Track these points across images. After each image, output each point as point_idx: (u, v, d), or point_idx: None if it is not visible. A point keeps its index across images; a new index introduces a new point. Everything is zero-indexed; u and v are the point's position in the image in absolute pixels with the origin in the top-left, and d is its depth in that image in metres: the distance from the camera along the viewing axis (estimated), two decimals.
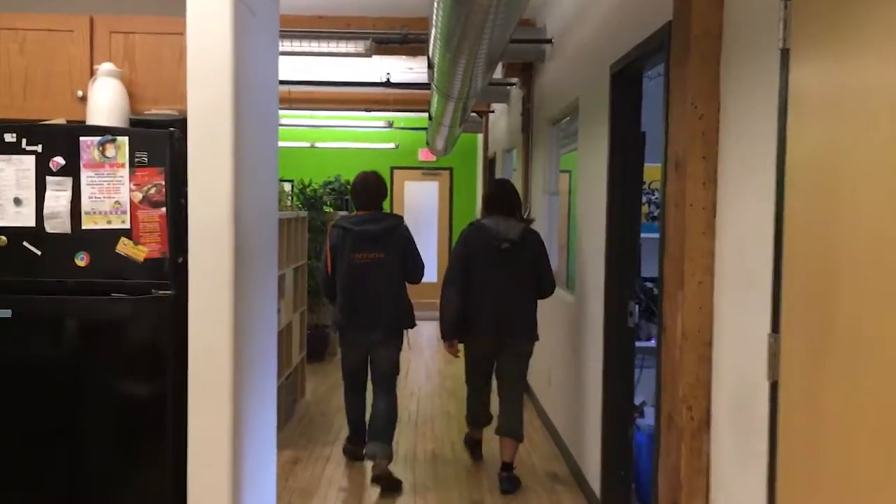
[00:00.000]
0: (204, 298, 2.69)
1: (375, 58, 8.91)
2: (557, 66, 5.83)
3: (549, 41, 6.00)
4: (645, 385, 4.78)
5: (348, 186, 10.12)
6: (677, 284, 2.77)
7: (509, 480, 4.70)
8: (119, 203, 2.68)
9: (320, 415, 6.30)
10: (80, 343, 2.76)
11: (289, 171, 10.85)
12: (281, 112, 11.22)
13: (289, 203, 6.35)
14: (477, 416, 5.12)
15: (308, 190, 8.53)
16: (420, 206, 13.63)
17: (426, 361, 8.71)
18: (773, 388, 2.22)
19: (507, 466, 4.75)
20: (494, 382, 5.00)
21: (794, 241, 2.13)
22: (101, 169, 2.67)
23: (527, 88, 7.10)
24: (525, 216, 5.42)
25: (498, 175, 10.26)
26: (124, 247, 2.69)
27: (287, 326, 5.84)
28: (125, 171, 2.68)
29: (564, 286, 6.15)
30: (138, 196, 2.69)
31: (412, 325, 4.95)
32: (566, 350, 5.33)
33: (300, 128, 12.87)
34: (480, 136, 12.25)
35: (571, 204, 6.62)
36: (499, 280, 4.70)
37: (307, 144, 12.99)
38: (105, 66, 2.97)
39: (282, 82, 8.86)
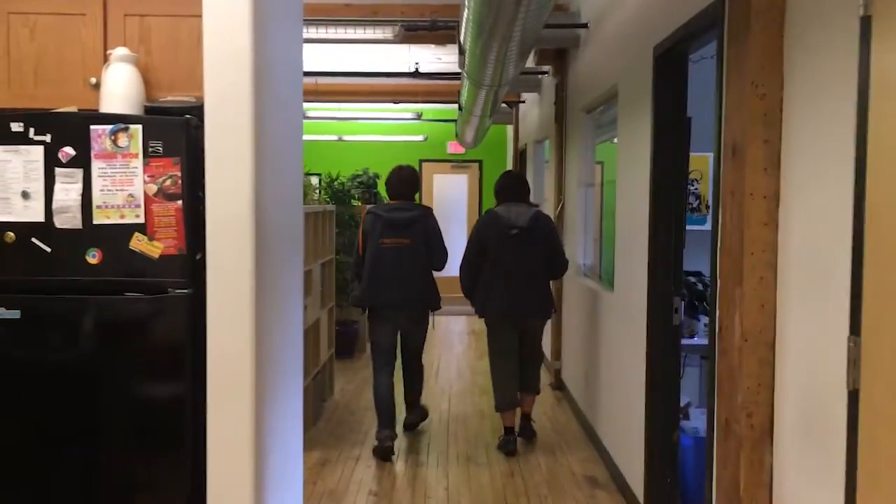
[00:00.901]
0: (223, 297, 2.50)
1: (403, 48, 8.73)
2: (593, 52, 5.59)
3: (585, 25, 5.76)
4: (687, 385, 4.56)
5: (377, 180, 9.99)
6: (735, 281, 2.54)
7: (526, 430, 5.46)
8: (132, 196, 2.50)
9: (349, 414, 6.12)
10: (92, 345, 2.59)
11: (316, 164, 10.70)
12: (308, 105, 11.11)
13: (316, 197, 6.18)
14: (508, 399, 5.29)
15: (336, 183, 8.36)
16: (449, 199, 13.42)
17: (457, 357, 8.51)
18: (853, 397, 1.99)
19: (526, 416, 5.48)
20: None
21: (877, 233, 1.89)
22: (113, 160, 2.49)
23: (560, 76, 6.85)
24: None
25: (529, 168, 10.02)
26: (138, 243, 2.51)
27: (314, 324, 5.67)
28: (139, 162, 2.50)
29: (599, 280, 5.92)
30: (153, 188, 2.51)
31: (437, 308, 5.35)
32: (604, 349, 5.10)
33: (328, 120, 12.73)
34: (510, 128, 12.00)
35: (604, 195, 6.38)
36: (510, 262, 5.13)
37: (335, 137, 12.84)
38: (119, 51, 2.79)
39: (308, 73, 8.73)
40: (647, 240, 3.97)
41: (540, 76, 8.46)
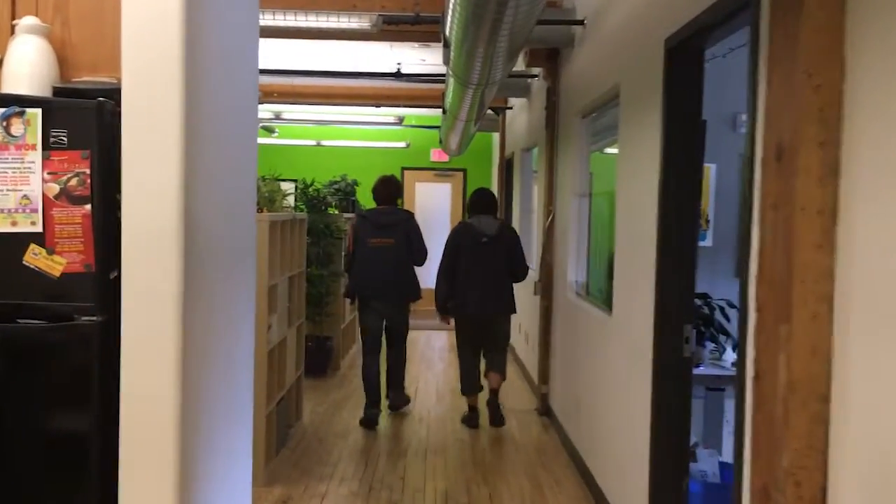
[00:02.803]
0: (142, 326, 1.99)
1: (385, 47, 8.24)
2: (591, 50, 5.12)
3: (581, 22, 5.29)
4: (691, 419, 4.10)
5: (355, 187, 9.49)
6: (780, 316, 2.05)
7: (496, 417, 6.05)
8: (28, 198, 1.98)
9: (318, 442, 5.59)
10: None
11: (292, 169, 10.16)
12: (284, 107, 10.59)
13: (288, 204, 5.66)
14: (472, 384, 6.08)
15: (310, 190, 7.84)
16: (432, 208, 12.92)
17: (437, 377, 7.99)
18: None
19: (494, 392, 6.10)
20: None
21: None
22: (3, 152, 1.98)
23: (552, 79, 6.38)
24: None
25: (516, 177, 9.55)
26: (35, 258, 2.00)
27: (280, 343, 5.14)
28: (37, 156, 1.99)
29: (586, 297, 5.43)
30: (54, 189, 1.99)
31: (416, 298, 6.20)
32: (600, 377, 4.61)
33: (305, 124, 12.21)
34: (496, 136, 11.54)
35: (592, 207, 5.91)
36: (480, 267, 5.94)
37: (312, 142, 12.33)
38: (26, 21, 2.28)
39: (283, 72, 8.22)
40: (654, 260, 3.48)
41: (529, 80, 7.99)
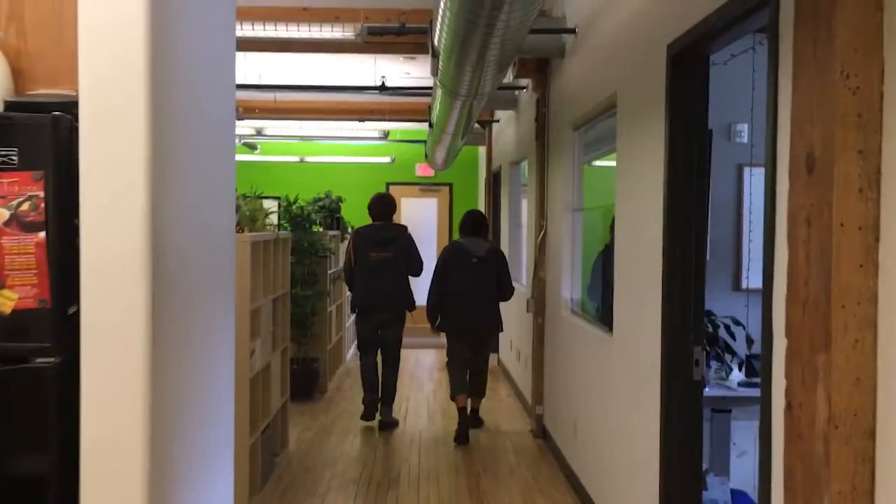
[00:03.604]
0: (105, 367, 1.76)
1: (369, 60, 8.05)
2: (584, 60, 4.94)
3: (572, 31, 5.11)
4: None
5: (340, 203, 9.26)
6: (818, 344, 1.86)
7: (475, 421, 6.44)
8: None
9: (304, 471, 5.34)
10: None
11: (275, 187, 9.95)
12: (267, 122, 10.36)
13: (269, 222, 5.43)
14: (459, 387, 6.34)
15: (294, 207, 7.61)
16: (418, 223, 12.68)
17: (427, 397, 7.75)
18: None
19: (474, 411, 6.48)
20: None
21: None
22: None
23: (541, 90, 6.20)
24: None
25: (504, 191, 9.37)
26: None
27: (264, 369, 4.90)
28: None
29: (582, 315, 5.24)
30: (4, 215, 1.77)
31: (412, 308, 6.59)
32: (600, 399, 4.40)
33: (288, 140, 11.99)
34: (482, 149, 11.35)
35: (585, 221, 5.73)
36: (470, 286, 6.23)
37: (296, 159, 12.11)
38: None
39: (266, 87, 8.00)
40: (660, 277, 3.29)
41: (517, 92, 7.82)
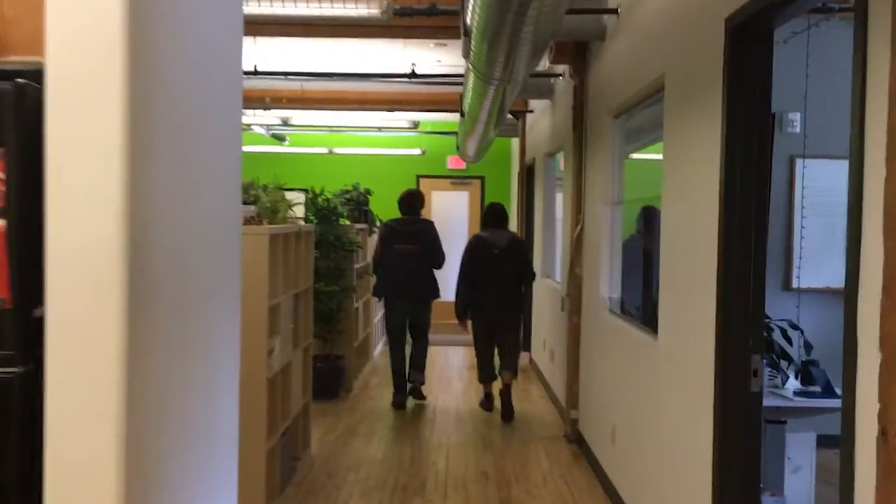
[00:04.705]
0: (74, 379, 1.50)
1: (399, 48, 7.77)
2: (627, 41, 4.61)
3: (615, 11, 4.78)
4: None
5: (368, 196, 9.00)
6: None
7: (507, 411, 6.65)
8: None
9: (327, 476, 5.08)
10: None
11: (304, 178, 9.73)
12: (294, 112, 10.13)
13: (291, 215, 5.17)
14: (488, 374, 6.87)
15: (320, 199, 7.35)
16: (448, 217, 12.40)
17: (456, 398, 7.46)
18: None
19: (507, 386, 6.71)
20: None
21: None
22: None
23: (579, 76, 5.87)
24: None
25: (538, 184, 9.04)
26: None
27: (284, 368, 4.64)
28: None
29: (621, 315, 4.91)
30: None
31: (437, 297, 7.10)
32: (642, 406, 4.08)
33: (316, 132, 11.76)
34: (515, 141, 11.03)
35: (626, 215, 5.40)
36: (493, 275, 6.65)
37: (325, 150, 11.89)
38: None
39: (293, 75, 7.76)
40: (713, 278, 2.96)
41: (553, 80, 7.49)
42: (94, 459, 1.51)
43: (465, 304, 6.73)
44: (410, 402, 7.11)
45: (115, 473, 1.52)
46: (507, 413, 6.62)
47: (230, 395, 2.32)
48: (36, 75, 1.62)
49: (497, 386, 6.83)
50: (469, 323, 6.85)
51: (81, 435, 1.51)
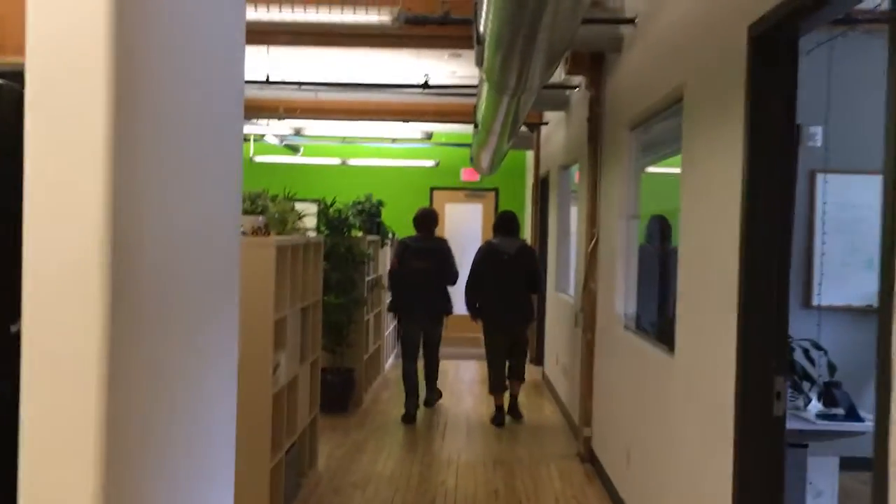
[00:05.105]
0: (50, 402, 1.40)
1: (412, 58, 7.69)
2: (644, 51, 4.50)
3: (632, 21, 4.68)
4: None
5: (381, 208, 8.91)
6: None
7: (515, 412, 7.05)
8: None
9: (334, 493, 4.97)
10: None
11: (317, 189, 9.66)
12: (308, 122, 10.08)
13: (300, 226, 5.08)
14: (499, 384, 6.92)
15: (331, 210, 7.26)
16: (462, 230, 12.31)
17: (467, 413, 7.33)
18: None
19: (514, 397, 7.10)
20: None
21: None
22: None
23: (595, 87, 5.77)
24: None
25: (552, 198, 8.93)
26: None
27: (291, 383, 4.54)
28: None
29: (637, 332, 4.79)
30: None
31: (450, 312, 7.30)
32: (658, 427, 3.95)
33: (330, 143, 11.71)
34: (530, 154, 10.93)
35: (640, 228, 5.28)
36: (502, 280, 6.85)
37: (338, 161, 11.82)
38: None
39: (306, 84, 7.70)
40: (735, 296, 2.84)
41: (568, 92, 7.39)
42: (70, 486, 1.41)
43: (473, 301, 6.98)
44: (422, 411, 7.22)
45: (91, 501, 1.42)
46: (516, 416, 7.00)
47: (226, 415, 2.21)
48: (18, 77, 1.53)
49: (507, 400, 7.02)
50: (482, 326, 7.05)
51: (57, 458, 1.41)
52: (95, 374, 1.41)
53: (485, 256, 6.97)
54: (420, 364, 7.25)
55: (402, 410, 7.00)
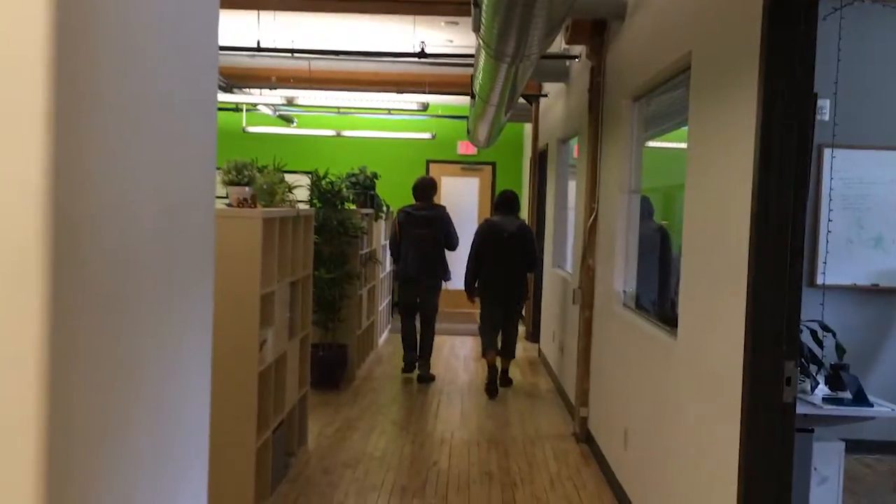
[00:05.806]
0: None
1: (408, 26, 7.48)
2: (649, 17, 4.31)
3: None
4: None
5: (375, 180, 8.72)
6: None
7: (505, 380, 7.31)
8: None
9: (323, 473, 4.84)
10: None
11: (311, 161, 9.48)
12: (301, 92, 9.85)
13: (290, 198, 4.90)
14: (490, 345, 7.18)
15: (324, 182, 7.08)
16: (458, 204, 12.12)
17: (461, 391, 7.20)
18: None
19: (504, 371, 7.33)
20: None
21: None
22: None
23: (597, 57, 5.57)
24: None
25: (550, 171, 8.75)
26: None
27: (279, 359, 4.40)
28: None
29: (636, 311, 4.64)
30: None
31: (448, 279, 7.54)
32: (657, 410, 3.81)
33: (324, 112, 11.49)
34: (528, 127, 10.73)
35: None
36: (501, 259, 7.06)
37: (332, 133, 11.60)
38: None
39: (299, 52, 7.47)
40: (743, 276, 2.68)
41: (568, 62, 7.19)
42: (8, 484, 1.26)
43: (473, 279, 7.19)
44: (415, 387, 7.27)
45: (33, 496, 1.26)
46: (505, 383, 7.29)
47: (198, 396, 2.05)
48: None
49: (500, 363, 7.28)
50: (477, 301, 7.32)
51: None
52: (34, 365, 1.25)
53: (485, 235, 7.17)
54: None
55: (397, 383, 7.27)
